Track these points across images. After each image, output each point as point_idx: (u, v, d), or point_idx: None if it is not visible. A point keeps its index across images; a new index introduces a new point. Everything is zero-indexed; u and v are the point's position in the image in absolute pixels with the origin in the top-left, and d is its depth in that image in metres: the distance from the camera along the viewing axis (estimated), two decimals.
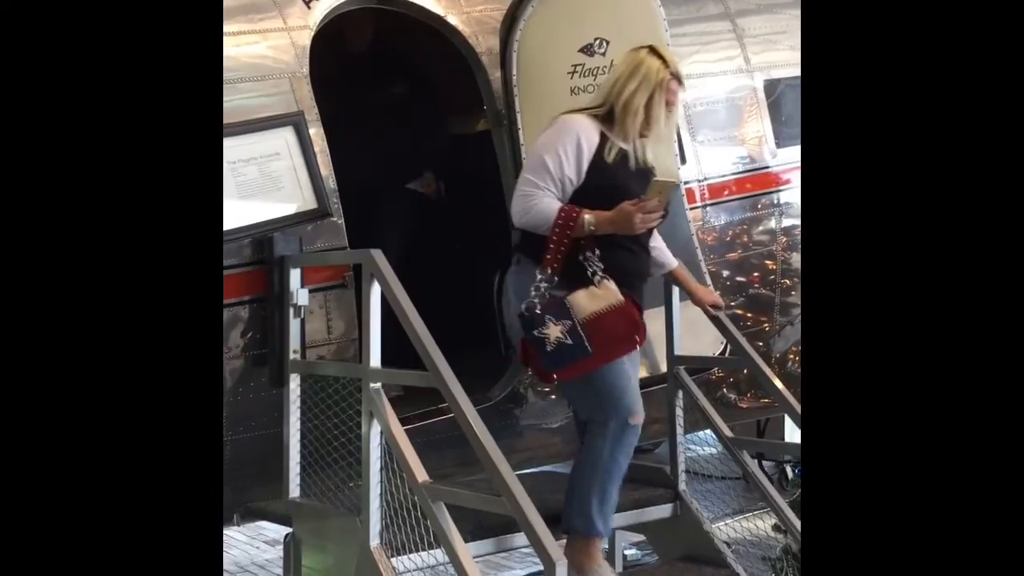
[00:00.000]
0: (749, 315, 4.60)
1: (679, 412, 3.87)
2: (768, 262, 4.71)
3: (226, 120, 3.53)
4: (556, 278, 3.09)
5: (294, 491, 3.54)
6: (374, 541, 3.17)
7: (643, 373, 4.01)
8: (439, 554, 3.05)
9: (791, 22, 4.86)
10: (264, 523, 4.21)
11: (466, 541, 3.04)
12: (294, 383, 3.53)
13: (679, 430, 3.86)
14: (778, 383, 3.71)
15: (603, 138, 3.21)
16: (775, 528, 4.27)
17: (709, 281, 4.22)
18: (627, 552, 4.44)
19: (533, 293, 3.07)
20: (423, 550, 3.10)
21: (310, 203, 3.64)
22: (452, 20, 4.04)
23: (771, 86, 4.70)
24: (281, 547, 3.71)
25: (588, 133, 3.19)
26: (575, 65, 3.93)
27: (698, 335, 3.96)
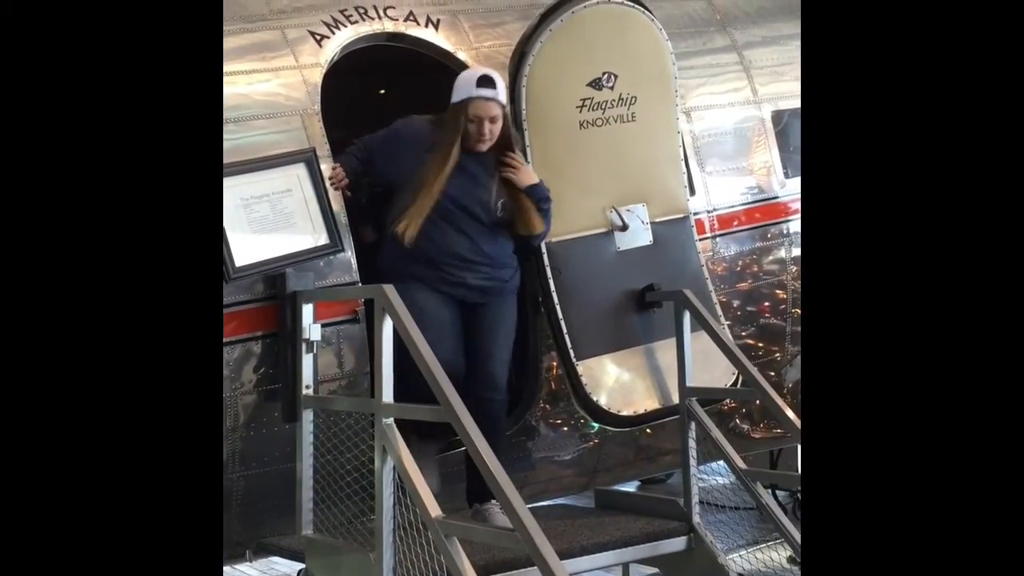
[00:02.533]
0: (760, 345, 4.59)
1: (692, 444, 3.85)
2: (779, 292, 4.71)
3: (239, 157, 3.59)
4: None
5: (307, 527, 3.54)
6: None
7: (655, 405, 4.02)
8: None
9: (797, 53, 4.89)
10: (276, 559, 4.21)
11: None
12: (307, 418, 3.54)
13: (692, 462, 3.85)
14: (790, 413, 3.70)
15: None
16: (790, 560, 4.24)
17: (720, 312, 4.22)
18: None
19: None
20: None
21: (322, 238, 3.66)
22: (462, 56, 4.09)
23: (778, 117, 4.72)
24: None
25: None
26: (584, 99, 3.96)
27: (710, 366, 3.95)
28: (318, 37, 3.89)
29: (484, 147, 3.58)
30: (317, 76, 3.82)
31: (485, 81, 3.55)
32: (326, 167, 3.74)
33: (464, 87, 3.57)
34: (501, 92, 3.58)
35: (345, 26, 3.94)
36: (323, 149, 3.75)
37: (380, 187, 3.73)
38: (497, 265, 3.62)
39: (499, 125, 3.57)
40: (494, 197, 3.60)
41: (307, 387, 3.54)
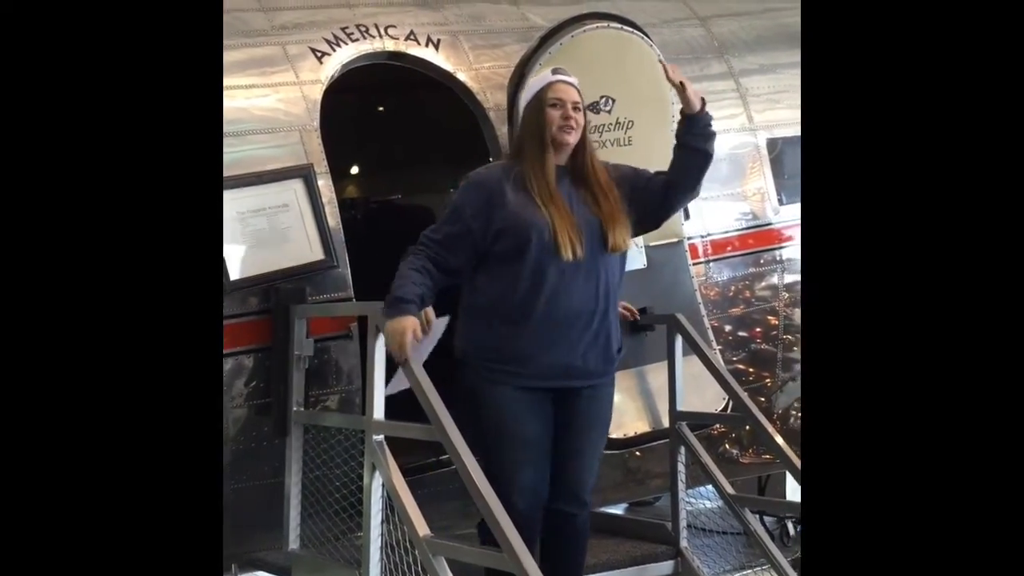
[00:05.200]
0: (751, 370, 4.61)
1: (681, 468, 3.86)
2: (770, 318, 4.74)
3: (237, 171, 3.61)
4: None
5: (294, 542, 3.53)
6: None
7: (646, 428, 4.03)
8: None
9: (792, 81, 4.94)
10: (262, 574, 4.19)
11: None
12: (297, 433, 3.54)
13: (681, 486, 3.85)
14: (779, 440, 3.71)
15: None
16: None
17: (712, 336, 4.24)
18: None
19: None
20: None
21: (317, 254, 3.68)
22: (461, 76, 4.12)
23: (773, 144, 4.76)
24: None
25: None
26: None
27: (700, 390, 3.97)
28: (319, 54, 3.91)
29: (572, 137, 3.05)
30: (317, 93, 3.85)
31: (559, 70, 3.18)
32: (323, 183, 3.76)
33: (537, 82, 3.16)
34: (577, 84, 3.17)
35: (346, 44, 3.97)
36: (321, 166, 3.77)
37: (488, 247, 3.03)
38: (613, 328, 3.07)
39: (582, 117, 3.10)
40: (608, 225, 3.01)
41: (298, 403, 3.54)
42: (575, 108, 3.09)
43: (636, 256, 4.09)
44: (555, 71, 3.20)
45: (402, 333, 2.93)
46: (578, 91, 3.16)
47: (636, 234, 3.23)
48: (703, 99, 3.27)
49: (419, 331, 2.96)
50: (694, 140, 3.23)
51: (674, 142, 4.20)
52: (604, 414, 3.12)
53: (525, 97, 3.19)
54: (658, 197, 3.22)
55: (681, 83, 3.23)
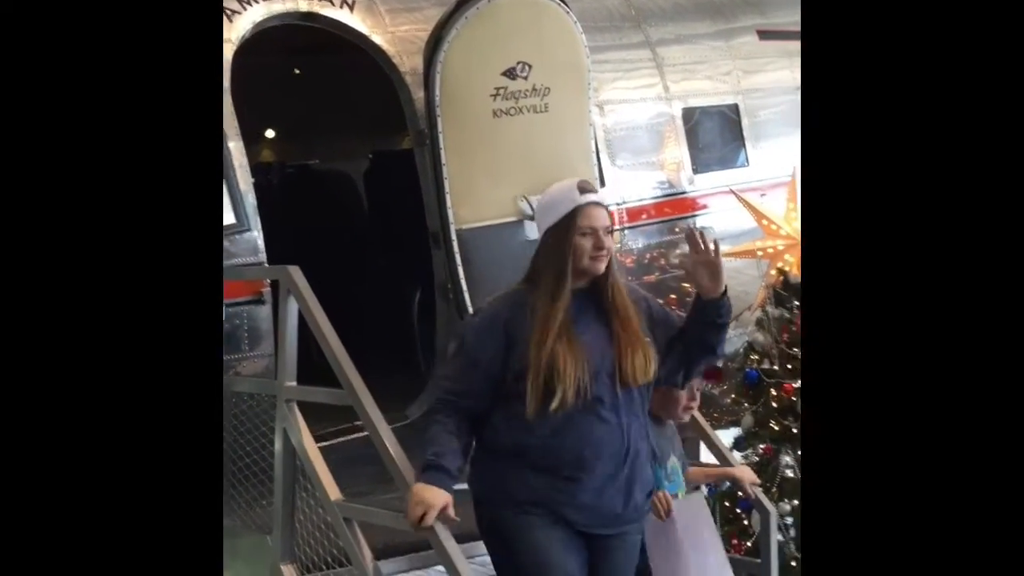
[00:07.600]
0: None
1: None
2: (685, 285, 4.82)
3: None
4: None
5: None
6: (284, 560, 3.14)
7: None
8: (350, 572, 3.04)
9: (709, 52, 5.01)
10: None
11: (377, 559, 3.04)
12: None
13: None
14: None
15: None
16: None
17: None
18: None
19: None
20: (333, 568, 3.08)
21: (228, 218, 3.62)
22: (376, 39, 4.07)
23: (689, 114, 4.83)
24: None
25: None
26: (498, 88, 3.98)
27: None
28: (229, 12, 3.83)
29: (603, 266, 2.64)
30: (227, 53, 3.76)
31: (586, 187, 2.70)
32: (234, 146, 3.68)
33: (561, 201, 2.66)
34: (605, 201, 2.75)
35: (257, 2, 3.89)
36: (232, 128, 3.69)
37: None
38: (642, 471, 2.69)
39: (612, 240, 2.69)
40: (624, 357, 2.62)
41: None
42: (607, 232, 2.66)
43: None
44: (583, 189, 2.68)
45: (430, 507, 2.60)
46: (607, 209, 2.72)
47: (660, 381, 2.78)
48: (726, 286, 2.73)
49: (452, 511, 2.63)
50: (702, 330, 2.72)
51: (590, 110, 4.26)
52: (628, 565, 2.77)
53: (550, 207, 2.68)
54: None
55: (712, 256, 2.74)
